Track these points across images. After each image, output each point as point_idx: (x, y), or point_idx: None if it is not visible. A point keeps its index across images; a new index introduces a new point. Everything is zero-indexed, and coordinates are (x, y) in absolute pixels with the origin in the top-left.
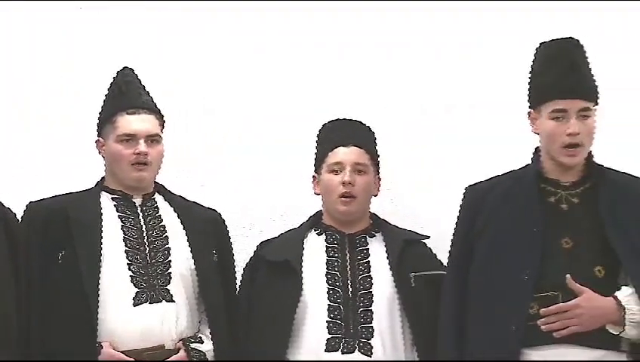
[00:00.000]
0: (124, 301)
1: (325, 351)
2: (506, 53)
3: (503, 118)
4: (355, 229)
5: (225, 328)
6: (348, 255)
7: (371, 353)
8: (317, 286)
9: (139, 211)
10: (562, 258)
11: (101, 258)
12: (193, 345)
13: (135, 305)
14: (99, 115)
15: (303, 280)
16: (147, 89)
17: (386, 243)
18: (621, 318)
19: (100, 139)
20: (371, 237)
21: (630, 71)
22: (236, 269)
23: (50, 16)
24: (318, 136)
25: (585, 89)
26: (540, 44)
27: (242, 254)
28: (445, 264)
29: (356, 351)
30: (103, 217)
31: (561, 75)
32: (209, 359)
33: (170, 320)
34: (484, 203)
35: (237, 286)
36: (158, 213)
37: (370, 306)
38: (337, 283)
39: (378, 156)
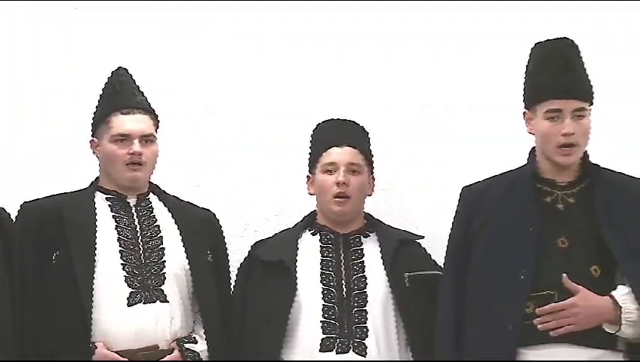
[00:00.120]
0: (119, 301)
1: (320, 351)
2: (506, 53)
3: (503, 118)
4: (350, 229)
5: (219, 328)
6: (342, 255)
7: (366, 353)
8: (311, 287)
9: (133, 211)
10: (558, 257)
11: (95, 258)
12: (187, 346)
13: (129, 305)
14: (93, 115)
15: (297, 280)
16: (147, 89)
17: (380, 243)
18: (617, 317)
19: (95, 139)
20: (365, 237)
21: (630, 71)
22: (231, 269)
23: (49, 17)
24: (311, 136)
25: (579, 89)
26: (535, 44)
27: (237, 254)
28: (440, 264)
29: (350, 351)
30: (97, 217)
31: (556, 75)
32: (203, 359)
33: (164, 320)
34: (480, 203)
35: (231, 287)
36: (152, 213)
37: (365, 306)
38: (332, 283)
39: (372, 156)
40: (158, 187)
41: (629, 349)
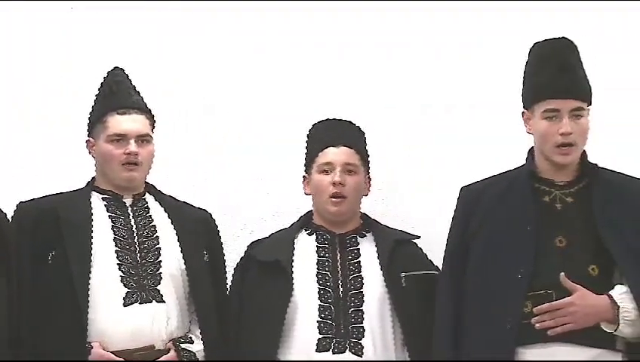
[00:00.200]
0: (115, 301)
1: (316, 351)
2: (506, 53)
3: (503, 118)
4: (346, 229)
5: (215, 328)
6: (339, 255)
7: (362, 353)
8: (308, 287)
9: (129, 211)
10: (556, 257)
11: (91, 258)
12: (183, 346)
13: (125, 305)
14: (89, 115)
15: (293, 280)
16: (146, 89)
17: (376, 243)
18: (615, 316)
19: (91, 139)
20: (362, 237)
21: (630, 71)
22: (227, 269)
23: (50, 17)
24: (307, 136)
25: (577, 89)
26: (534, 44)
27: (233, 254)
28: (436, 264)
29: (347, 351)
30: (93, 217)
31: (554, 75)
32: (199, 359)
33: (160, 320)
34: (479, 203)
35: (227, 287)
36: (148, 213)
37: (361, 306)
38: (328, 284)
39: (368, 156)
40: (154, 187)
41: (628, 349)
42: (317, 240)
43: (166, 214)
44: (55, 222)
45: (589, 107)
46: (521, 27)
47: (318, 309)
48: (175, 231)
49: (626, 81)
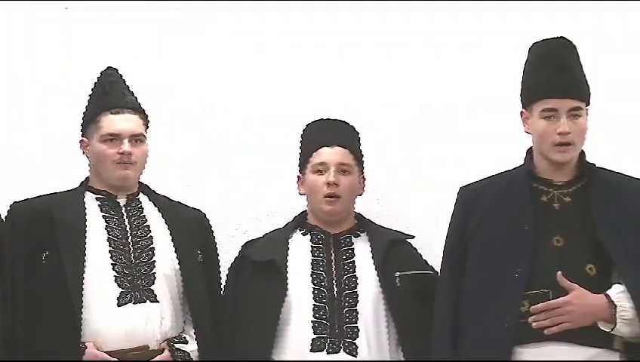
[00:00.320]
0: (108, 301)
1: (310, 351)
2: (506, 53)
3: (503, 118)
4: (340, 229)
5: (209, 328)
6: (333, 255)
7: (356, 353)
8: (302, 286)
9: (123, 211)
10: (553, 256)
11: (85, 258)
12: (177, 346)
13: (119, 305)
14: (83, 115)
15: (287, 280)
16: (147, 89)
17: (371, 243)
18: (612, 315)
19: (84, 139)
20: (356, 237)
21: (630, 71)
22: (222, 269)
23: (50, 17)
24: (301, 136)
25: (575, 88)
26: (533, 44)
27: (228, 254)
28: (430, 264)
29: (341, 350)
30: (87, 217)
31: (552, 74)
32: (193, 359)
33: (154, 320)
34: (477, 203)
35: (222, 287)
36: (142, 213)
37: (356, 306)
38: (322, 283)
39: (362, 156)
40: (148, 187)
41: (626, 349)
42: (311, 240)
43: (160, 214)
44: (49, 222)
45: (587, 107)
46: (521, 27)
47: (313, 309)
48: (169, 231)
49: (626, 81)
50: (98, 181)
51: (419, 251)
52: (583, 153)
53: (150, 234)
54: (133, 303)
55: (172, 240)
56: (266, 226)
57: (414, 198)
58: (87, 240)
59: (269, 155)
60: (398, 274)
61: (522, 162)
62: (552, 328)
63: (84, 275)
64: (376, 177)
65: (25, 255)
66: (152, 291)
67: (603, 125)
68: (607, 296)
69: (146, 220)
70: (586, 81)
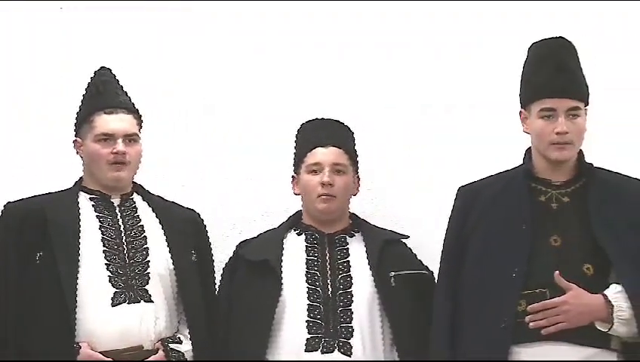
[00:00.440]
0: (103, 301)
1: (305, 350)
2: (506, 53)
3: (503, 118)
4: (335, 229)
5: (203, 328)
6: (328, 254)
7: (351, 352)
8: (297, 286)
9: (117, 211)
10: (551, 256)
11: (79, 258)
12: (172, 346)
13: (113, 305)
14: (76, 115)
15: (282, 279)
16: (147, 89)
17: (365, 242)
18: (609, 315)
19: (78, 139)
20: (351, 237)
21: (630, 71)
22: (216, 269)
23: (50, 17)
24: (296, 136)
25: (573, 88)
26: (532, 44)
27: (222, 255)
28: (425, 264)
29: (336, 350)
30: (81, 217)
31: (550, 74)
32: (188, 359)
33: (148, 320)
34: (475, 203)
35: (216, 287)
36: (136, 213)
37: (350, 306)
38: (317, 283)
39: (357, 156)
40: (142, 187)
41: (624, 349)
42: (306, 239)
43: (154, 214)
44: (43, 223)
45: (586, 107)
46: (521, 27)
47: (307, 308)
48: (163, 231)
49: (626, 81)
50: (92, 181)
51: (419, 251)
52: (581, 153)
53: (144, 234)
54: (128, 303)
55: (166, 240)
56: (260, 226)
57: (414, 198)
58: (81, 241)
59: (267, 155)
60: (392, 273)
61: (521, 162)
62: (549, 328)
63: (78, 275)
64: (375, 177)
65: (18, 255)
66: (147, 291)
67: (603, 125)
68: (605, 295)
69: (140, 220)
70: (585, 81)
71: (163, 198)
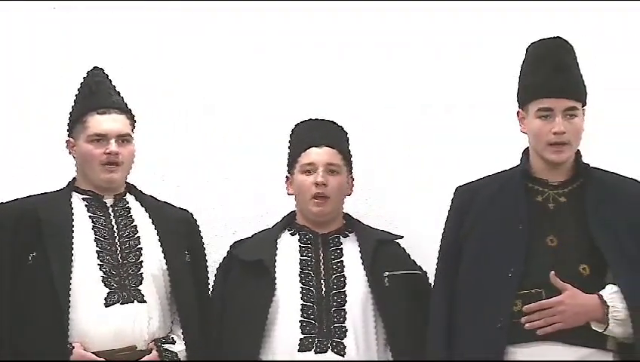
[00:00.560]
0: (96, 301)
1: (298, 350)
2: (505, 54)
3: (502, 118)
4: (329, 229)
5: (197, 328)
6: (321, 255)
7: (344, 352)
8: (290, 286)
9: (110, 212)
10: (547, 256)
11: (72, 259)
12: (165, 346)
13: (107, 305)
14: (69, 115)
15: (276, 279)
16: (147, 89)
17: (359, 243)
18: (604, 316)
19: (71, 139)
20: (345, 237)
21: (630, 71)
22: (209, 269)
23: (50, 17)
24: (290, 136)
25: (571, 88)
26: (530, 44)
27: (216, 255)
28: (419, 264)
29: (329, 350)
30: (74, 218)
31: (547, 74)
32: (181, 359)
33: (142, 320)
34: (473, 203)
35: (209, 287)
36: (129, 213)
37: (344, 306)
38: (311, 283)
39: (351, 156)
40: (135, 187)
41: (620, 349)
42: (300, 240)
43: (147, 214)
44: (36, 223)
45: (583, 107)
46: (521, 27)
47: (301, 308)
48: (156, 232)
49: (626, 81)
50: (84, 181)
51: (418, 251)
52: (579, 153)
53: (137, 234)
54: (121, 303)
55: (159, 241)
56: (254, 227)
57: (414, 198)
58: (74, 241)
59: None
60: (386, 274)
61: (519, 162)
62: (545, 328)
63: (72, 276)
64: (375, 177)
65: (11, 255)
66: (140, 291)
67: (602, 125)
68: (600, 296)
69: (133, 220)
70: (583, 82)
71: (156, 198)
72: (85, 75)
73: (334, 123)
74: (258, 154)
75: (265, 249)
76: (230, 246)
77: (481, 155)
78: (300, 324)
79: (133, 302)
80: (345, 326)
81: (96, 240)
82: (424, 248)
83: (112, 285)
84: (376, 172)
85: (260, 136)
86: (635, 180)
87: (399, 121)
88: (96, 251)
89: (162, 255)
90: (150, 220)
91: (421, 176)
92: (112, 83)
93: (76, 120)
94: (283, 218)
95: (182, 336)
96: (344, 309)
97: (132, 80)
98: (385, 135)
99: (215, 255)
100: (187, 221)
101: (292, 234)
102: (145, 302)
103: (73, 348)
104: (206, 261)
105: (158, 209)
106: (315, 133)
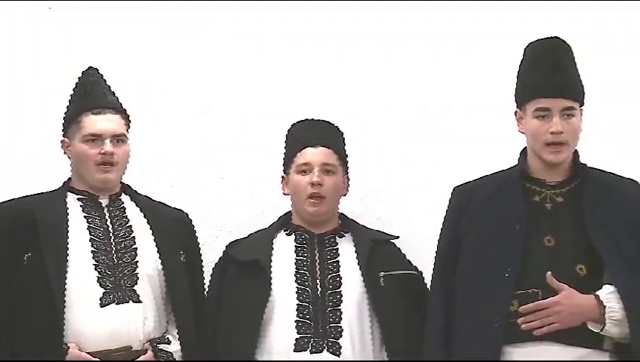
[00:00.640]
0: (91, 302)
1: (294, 350)
2: (505, 54)
3: (500, 118)
4: (325, 229)
5: (192, 328)
6: (317, 255)
7: (340, 353)
8: (286, 286)
9: (105, 212)
10: (544, 256)
11: (67, 259)
12: (160, 346)
13: (102, 305)
14: (64, 115)
15: (272, 279)
16: (143, 89)
17: (355, 243)
18: (601, 316)
19: (66, 139)
20: (340, 237)
21: (629, 71)
22: (205, 270)
23: (50, 16)
24: (286, 136)
25: (568, 88)
26: (528, 44)
27: (212, 255)
28: (414, 264)
29: (325, 350)
30: (69, 218)
31: (545, 74)
32: (176, 360)
33: (137, 320)
34: (470, 203)
35: (204, 287)
36: (124, 213)
37: (339, 306)
38: (306, 283)
39: (347, 156)
40: (130, 187)
41: (617, 349)
42: (296, 240)
43: (142, 214)
44: (31, 223)
45: (581, 107)
46: (520, 27)
47: (297, 308)
48: (151, 232)
49: (626, 81)
50: (80, 181)
51: (415, 251)
52: (576, 153)
53: (133, 234)
54: (116, 303)
55: (154, 241)
56: (249, 227)
57: (410, 198)
58: (69, 241)
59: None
60: (382, 274)
61: (517, 162)
62: (542, 328)
63: (67, 276)
64: (371, 177)
65: (7, 256)
66: (135, 291)
67: (601, 125)
68: (597, 296)
69: (129, 221)
70: (580, 82)
71: (151, 198)
72: (80, 75)
73: (330, 123)
74: (253, 155)
75: (261, 249)
76: (226, 247)
77: (476, 155)
78: (295, 324)
79: (128, 302)
80: (340, 327)
81: (91, 240)
82: (420, 248)
83: (108, 285)
84: (371, 172)
85: (256, 136)
86: (633, 180)
87: (395, 121)
88: (92, 251)
89: (157, 255)
90: (145, 220)
91: (416, 176)
92: (107, 83)
93: (71, 120)
94: (279, 218)
95: (177, 336)
96: (340, 309)
97: (127, 80)
98: (380, 135)
99: (211, 255)
100: (182, 221)
101: (288, 235)
102: (140, 302)
103: (68, 348)
104: (201, 261)
105: (153, 209)
106: (311, 133)
